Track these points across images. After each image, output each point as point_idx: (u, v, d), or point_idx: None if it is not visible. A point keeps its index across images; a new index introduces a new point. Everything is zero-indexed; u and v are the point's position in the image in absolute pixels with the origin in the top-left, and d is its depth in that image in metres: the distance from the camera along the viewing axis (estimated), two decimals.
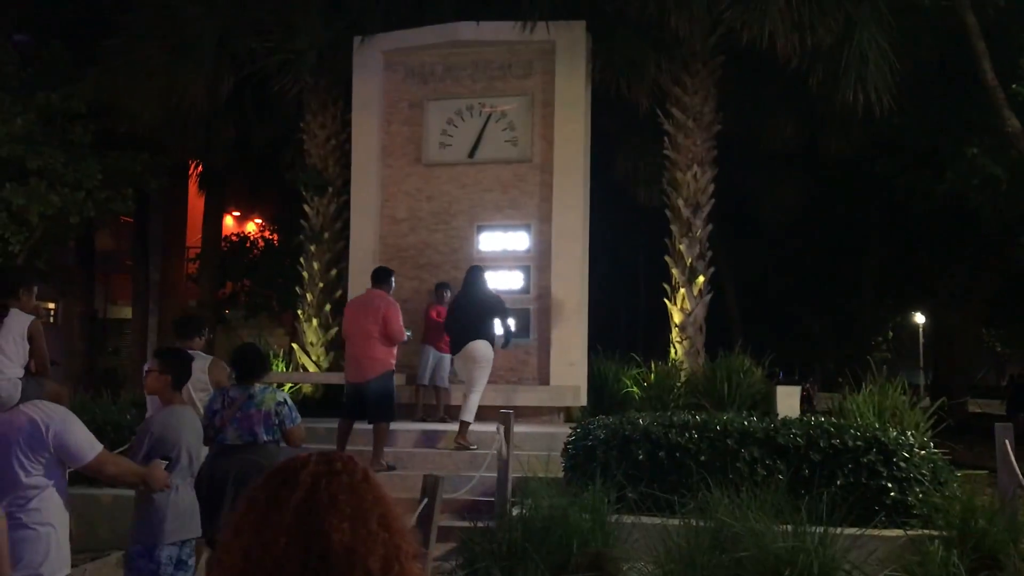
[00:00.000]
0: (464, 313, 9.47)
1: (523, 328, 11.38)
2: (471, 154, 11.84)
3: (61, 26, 13.30)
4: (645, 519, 6.48)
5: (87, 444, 3.90)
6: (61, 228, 13.11)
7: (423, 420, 10.58)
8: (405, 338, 8.95)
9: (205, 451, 5.28)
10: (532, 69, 11.79)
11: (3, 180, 11.94)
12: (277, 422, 5.64)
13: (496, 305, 9.68)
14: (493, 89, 11.87)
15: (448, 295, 10.76)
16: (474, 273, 9.86)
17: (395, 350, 8.90)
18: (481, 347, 9.30)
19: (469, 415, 9.23)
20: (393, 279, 9.20)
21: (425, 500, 5.15)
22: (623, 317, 13.65)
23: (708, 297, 12.30)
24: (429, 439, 9.62)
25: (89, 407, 8.91)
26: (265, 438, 5.61)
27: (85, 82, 12.32)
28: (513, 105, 11.79)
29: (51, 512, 3.84)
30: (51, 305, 19.44)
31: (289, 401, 5.81)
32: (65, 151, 12.18)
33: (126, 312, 20.22)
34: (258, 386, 5.78)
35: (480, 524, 6.64)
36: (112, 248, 21.73)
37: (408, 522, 1.53)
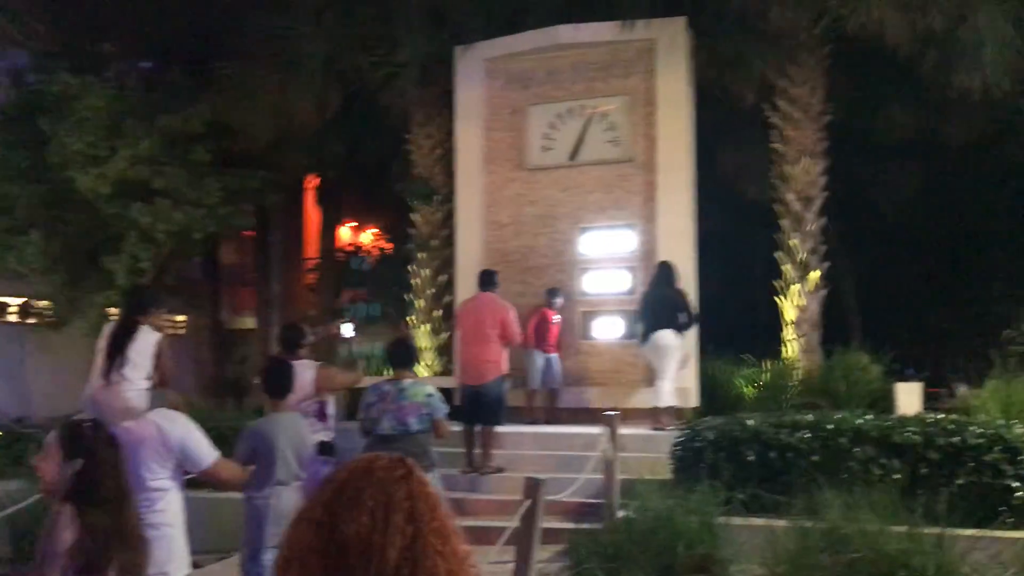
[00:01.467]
0: (655, 306, 9.97)
1: (630, 330, 11.33)
2: (573, 156, 11.86)
3: (181, 53, 13.96)
4: (753, 520, 6.36)
5: (206, 450, 4.16)
6: (186, 244, 13.75)
7: (534, 423, 10.64)
8: (521, 339, 9.12)
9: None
10: (633, 68, 11.72)
11: (131, 200, 12.62)
12: (427, 412, 6.03)
13: (681, 299, 10.07)
14: (594, 90, 11.86)
15: (559, 300, 10.85)
16: (662, 268, 10.23)
17: (507, 354, 9.01)
18: (669, 336, 9.74)
19: (668, 398, 9.66)
20: (498, 279, 9.36)
21: (528, 502, 5.19)
22: (734, 316, 13.37)
23: (823, 293, 11.95)
24: (539, 442, 9.68)
25: (214, 415, 9.31)
26: (417, 428, 6.05)
27: (203, 105, 12.91)
28: (614, 105, 11.75)
29: (174, 513, 4.08)
30: (180, 317, 20.36)
31: (437, 393, 6.27)
32: (187, 171, 12.79)
33: (250, 323, 20.98)
34: (408, 380, 6.15)
35: (586, 526, 6.66)
36: (236, 262, 22.60)
37: (452, 522, 1.57)
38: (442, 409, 6.23)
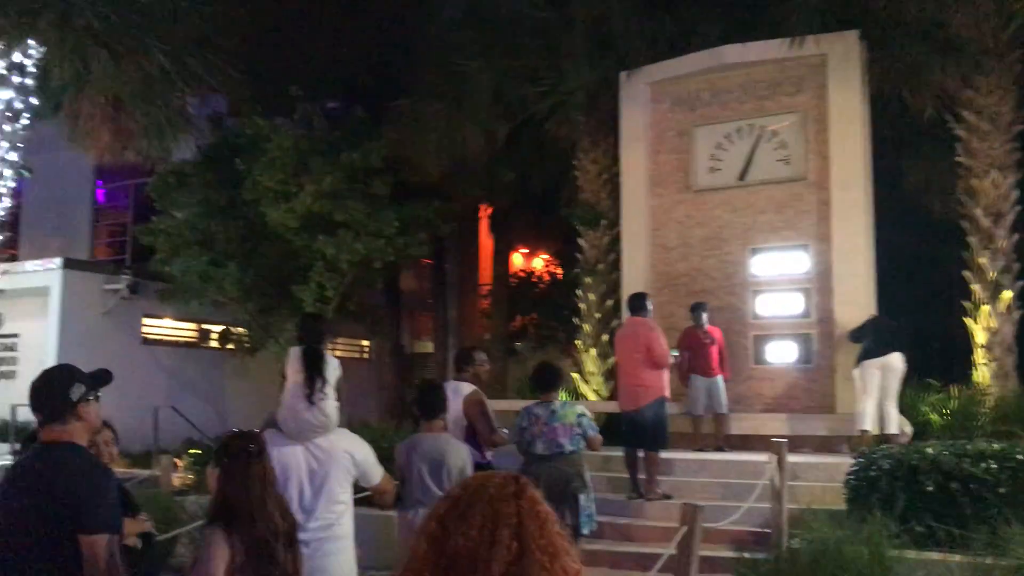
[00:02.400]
0: (886, 328, 9.86)
1: (804, 354, 10.99)
2: (742, 176, 11.67)
3: (361, 92, 14.77)
4: (929, 555, 6.01)
5: (378, 468, 4.45)
6: (367, 273, 14.46)
7: (701, 450, 10.44)
8: (671, 361, 8.97)
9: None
10: (803, 85, 11.42)
11: (316, 232, 13.43)
12: (580, 432, 6.12)
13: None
14: (762, 109, 11.64)
15: (705, 317, 10.53)
16: None
17: (666, 376, 8.89)
18: (899, 359, 9.53)
19: (893, 426, 9.39)
20: (650, 303, 9.25)
21: (684, 528, 5.15)
22: (919, 339, 12.66)
23: (1018, 314, 11.15)
24: (708, 469, 9.50)
25: (387, 435, 9.69)
26: (569, 448, 6.21)
27: (381, 140, 13.60)
28: (784, 123, 11.49)
29: (351, 526, 4.35)
30: (364, 342, 21.37)
31: (587, 413, 6.41)
32: (366, 203, 13.49)
33: (429, 347, 21.75)
34: (558, 402, 6.29)
35: (752, 556, 6.50)
36: (415, 288, 23.52)
37: (563, 541, 1.63)
38: (593, 428, 6.31)
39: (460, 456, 5.18)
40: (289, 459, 4.27)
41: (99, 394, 3.47)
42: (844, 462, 8.36)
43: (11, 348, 16.87)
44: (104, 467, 3.49)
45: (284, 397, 4.51)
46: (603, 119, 13.27)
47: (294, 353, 4.64)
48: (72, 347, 15.22)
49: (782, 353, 11.16)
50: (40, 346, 15.77)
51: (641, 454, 8.81)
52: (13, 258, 17.54)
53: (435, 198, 14.81)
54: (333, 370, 4.72)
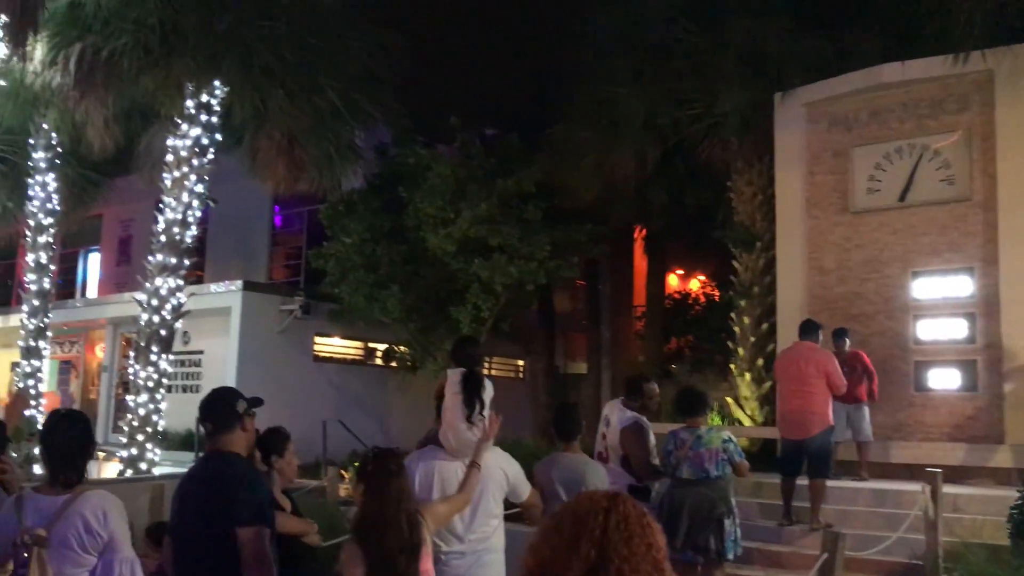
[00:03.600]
0: None
1: (969, 381, 10.53)
2: (902, 197, 11.33)
3: (516, 120, 15.28)
4: None
5: (527, 485, 4.73)
6: (520, 295, 14.88)
7: (860, 478, 10.11)
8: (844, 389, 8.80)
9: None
10: (967, 102, 11.01)
11: (472, 256, 13.97)
12: (725, 458, 6.20)
13: None
14: (924, 128, 11.28)
15: (847, 343, 10.15)
16: None
17: (831, 405, 8.71)
18: None
19: None
20: (820, 331, 9.11)
21: (824, 556, 5.15)
22: None
23: None
24: (869, 498, 9.25)
25: (538, 453, 9.95)
26: (715, 473, 6.29)
27: (534, 166, 14.01)
28: (947, 142, 11.09)
29: (503, 540, 4.64)
30: (519, 362, 21.82)
31: (733, 439, 6.44)
32: (519, 228, 13.93)
33: (583, 368, 21.95)
34: (704, 427, 6.38)
35: None
36: (570, 309, 23.81)
37: (655, 556, 1.80)
38: (739, 453, 6.34)
39: (598, 477, 5.36)
40: (449, 474, 4.59)
41: (255, 411, 3.98)
42: (1010, 495, 8.00)
43: (196, 364, 18.28)
44: (258, 471, 3.94)
45: (444, 416, 4.79)
46: (757, 140, 13.17)
47: (454, 375, 4.90)
48: (250, 364, 16.37)
49: (945, 380, 10.73)
50: (222, 362, 17.02)
51: (802, 482, 8.67)
52: (199, 280, 18.96)
53: (587, 221, 15.07)
54: (488, 392, 5.00)
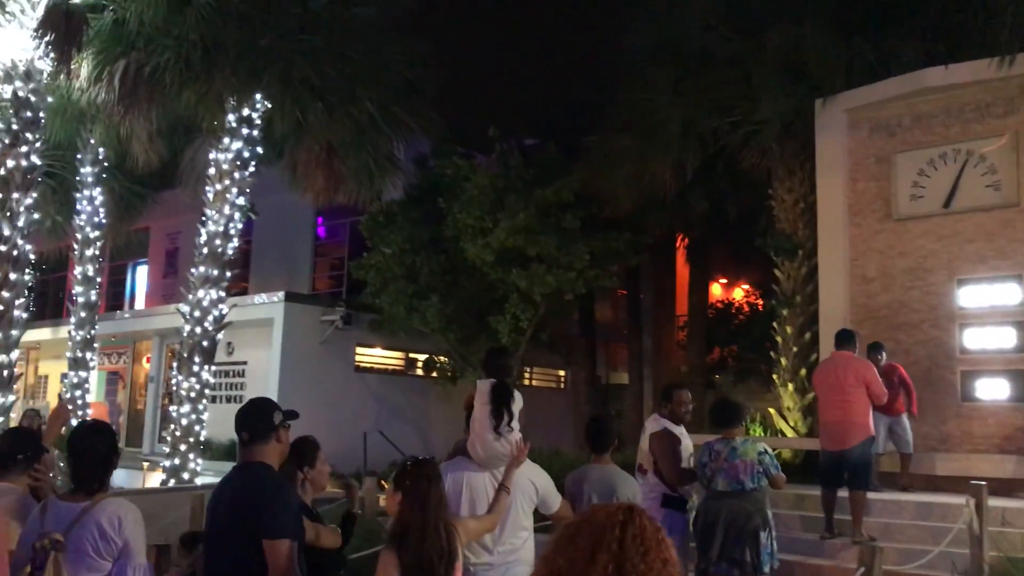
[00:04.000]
0: None
1: (1019, 391, 10.26)
2: (947, 204, 11.08)
3: (554, 130, 15.27)
4: None
5: (557, 496, 4.72)
6: (560, 304, 14.84)
7: (904, 490, 9.91)
8: (885, 399, 8.64)
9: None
10: (1014, 105, 10.75)
11: (511, 266, 13.97)
12: (761, 470, 6.11)
13: None
14: (968, 132, 11.04)
15: (883, 357, 9.91)
16: None
17: (872, 415, 8.56)
18: None
19: None
20: (857, 340, 8.95)
21: (861, 570, 5.03)
22: None
23: None
24: (913, 511, 9.04)
25: (574, 464, 9.88)
26: (751, 486, 6.16)
27: (572, 175, 13.99)
28: (993, 147, 10.83)
29: (533, 551, 4.61)
30: (561, 372, 21.77)
31: (769, 451, 6.32)
32: (558, 237, 13.90)
33: (625, 378, 21.82)
34: (739, 439, 6.29)
35: None
36: (611, 319, 23.71)
37: (672, 570, 1.78)
38: (775, 466, 6.23)
39: (629, 488, 5.31)
40: (477, 485, 4.58)
41: (289, 424, 4.01)
42: None
43: (240, 374, 18.50)
44: (288, 483, 3.97)
45: (473, 427, 4.79)
46: (798, 147, 13.01)
47: (483, 386, 4.90)
48: (292, 374, 16.53)
49: (993, 390, 10.45)
50: (265, 372, 17.21)
51: (844, 494, 8.51)
52: (243, 292, 19.21)
53: (626, 230, 14.99)
54: (518, 403, 4.98)
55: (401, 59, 13.95)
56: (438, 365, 17.35)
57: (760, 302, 21.11)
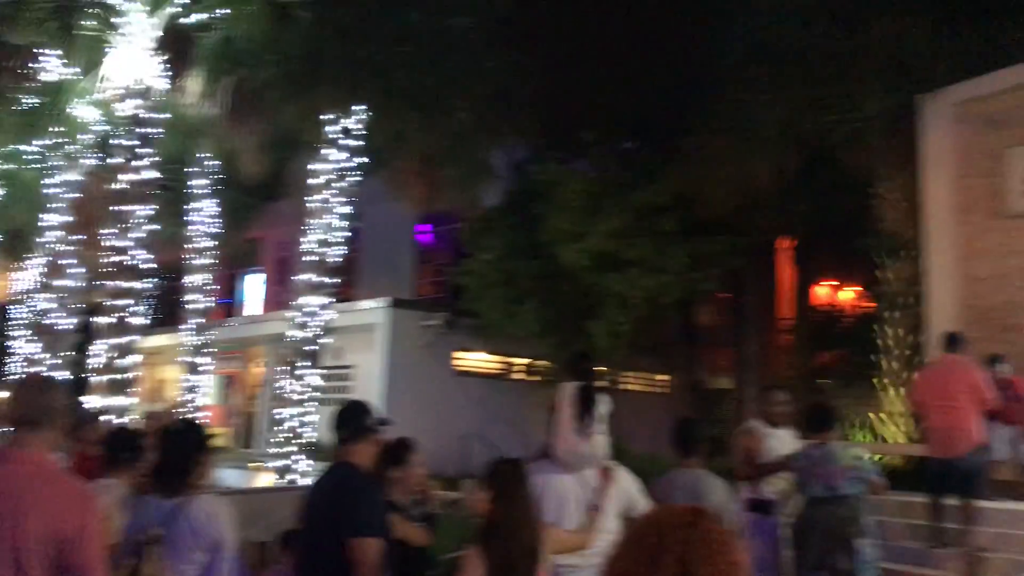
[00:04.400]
0: None
1: None
2: None
3: (650, 132, 15.17)
4: None
5: (643, 499, 4.75)
6: (658, 308, 14.73)
7: (994, 498, 9.41)
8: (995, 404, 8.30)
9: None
10: None
11: (607, 271, 13.95)
12: (857, 476, 5.99)
13: None
14: None
15: (1004, 369, 9.42)
16: None
17: (982, 421, 8.23)
18: None
19: None
20: (966, 343, 8.61)
21: None
22: None
23: None
24: (1009, 519, 8.65)
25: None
26: (848, 491, 6.01)
27: (668, 179, 13.87)
28: None
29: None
30: (662, 377, 21.55)
31: (867, 455, 6.22)
32: (654, 241, 13.81)
33: (728, 383, 21.45)
34: (836, 443, 6.18)
35: None
36: (713, 323, 23.32)
37: (740, 573, 1.78)
38: (874, 471, 6.07)
39: (718, 494, 5.25)
40: (561, 488, 4.63)
41: (382, 428, 4.19)
42: None
43: (348, 378, 18.99)
44: (375, 483, 4.12)
45: (557, 429, 4.84)
46: (903, 145, 12.58)
47: (567, 388, 4.95)
48: (396, 377, 16.90)
49: None
50: (370, 376, 17.63)
51: (952, 502, 8.20)
52: (349, 298, 19.72)
53: (726, 232, 14.77)
54: (602, 406, 5.01)
55: (496, 67, 14.10)
56: (537, 369, 17.44)
57: (866, 305, 20.48)
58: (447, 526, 6.21)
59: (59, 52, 14.09)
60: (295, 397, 13.97)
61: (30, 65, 14.44)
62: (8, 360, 19.84)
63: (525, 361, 17.81)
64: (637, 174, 14.34)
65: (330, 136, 14.03)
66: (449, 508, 11.12)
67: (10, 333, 20.48)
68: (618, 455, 5.56)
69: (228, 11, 13.08)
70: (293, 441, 13.91)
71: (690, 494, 5.27)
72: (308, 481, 13.37)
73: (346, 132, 13.99)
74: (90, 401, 12.20)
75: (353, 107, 13.87)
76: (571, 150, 15.17)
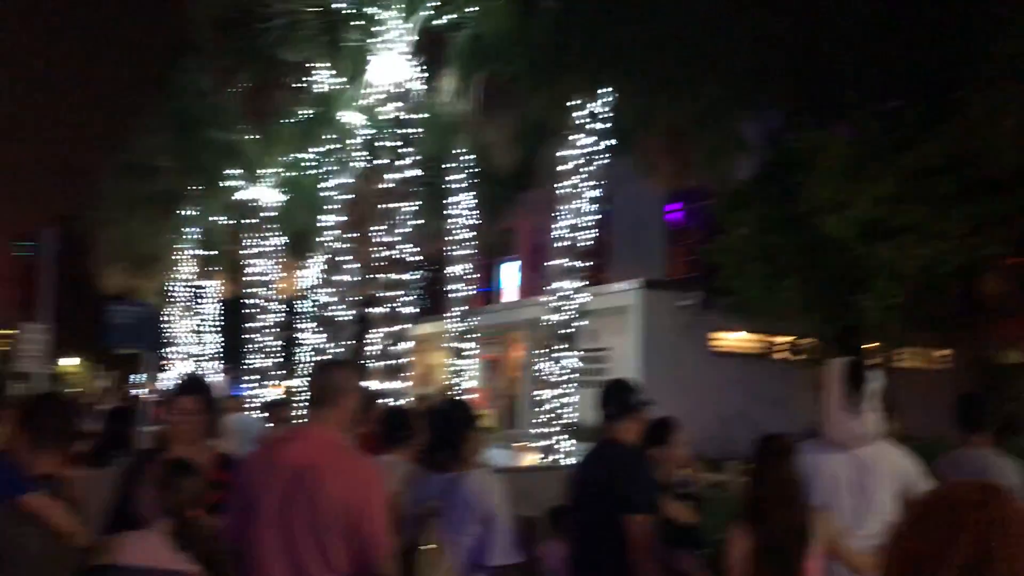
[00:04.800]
0: None
1: None
2: None
3: (918, 90, 14.00)
4: None
5: (925, 484, 4.45)
6: (935, 278, 13.62)
7: None
8: None
9: None
10: None
11: (875, 240, 13.06)
12: None
13: None
14: None
15: None
16: None
17: None
18: None
19: None
20: None
21: None
22: None
23: None
24: None
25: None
26: None
27: (943, 136, 12.75)
28: None
29: None
30: (942, 352, 19.99)
31: None
32: (928, 205, 12.74)
33: (1022, 356, 19.53)
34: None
35: None
36: (1003, 291, 21.29)
37: None
38: None
39: (1009, 474, 4.79)
40: (833, 468, 4.42)
41: (646, 407, 4.21)
42: None
43: (604, 360, 19.18)
44: (645, 460, 4.13)
45: (826, 407, 4.66)
46: None
47: (836, 365, 4.76)
48: (651, 359, 16.85)
49: None
50: (625, 358, 17.71)
51: None
52: (601, 281, 19.90)
53: (1015, 191, 13.37)
54: (874, 382, 4.76)
55: (746, 36, 13.55)
56: (801, 348, 16.69)
57: None
58: (712, 507, 6.11)
59: (327, 64, 15.24)
60: (554, 379, 14.28)
61: (303, 80, 15.75)
62: (297, 350, 21.89)
63: (787, 339, 17.08)
64: (907, 133, 13.26)
65: (577, 122, 14.16)
66: (713, 489, 10.96)
67: (297, 325, 22.59)
68: (897, 435, 5.25)
69: (476, 8, 13.55)
70: (555, 422, 14.22)
71: (972, 473, 4.86)
72: (571, 461, 13.65)
73: (593, 116, 14.06)
74: (369, 385, 13.14)
75: (599, 91, 13.90)
76: (830, 115, 14.31)
